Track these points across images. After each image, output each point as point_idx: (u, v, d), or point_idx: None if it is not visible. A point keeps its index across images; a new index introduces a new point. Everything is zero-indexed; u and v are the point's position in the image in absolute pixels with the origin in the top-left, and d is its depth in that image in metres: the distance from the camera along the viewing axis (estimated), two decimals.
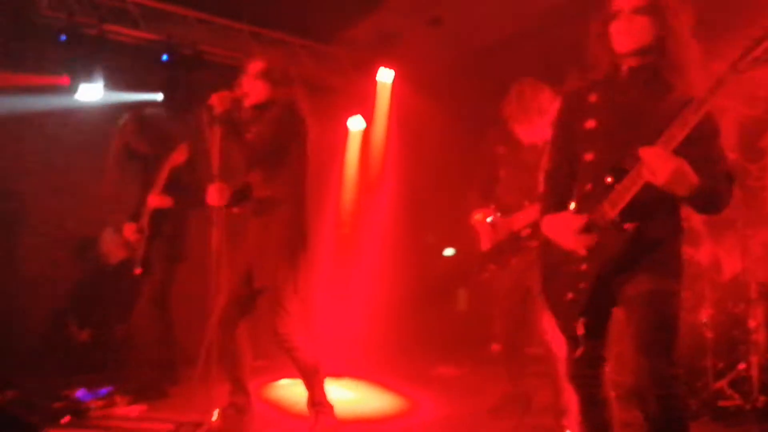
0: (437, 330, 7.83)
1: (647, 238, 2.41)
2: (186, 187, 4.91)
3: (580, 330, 2.54)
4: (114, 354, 5.98)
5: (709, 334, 4.67)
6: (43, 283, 6.36)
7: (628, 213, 2.38)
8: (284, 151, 3.98)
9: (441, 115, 7.61)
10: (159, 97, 6.76)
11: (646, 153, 2.24)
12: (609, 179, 2.42)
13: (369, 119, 8.17)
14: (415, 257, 8.18)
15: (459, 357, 6.98)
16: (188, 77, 6.64)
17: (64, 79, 6.25)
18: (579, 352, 2.57)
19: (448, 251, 8.60)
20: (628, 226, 2.38)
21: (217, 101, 3.84)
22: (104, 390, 4.69)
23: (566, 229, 2.53)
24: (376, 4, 6.95)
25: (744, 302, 4.68)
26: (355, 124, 8.27)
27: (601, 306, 2.53)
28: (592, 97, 2.61)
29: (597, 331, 2.57)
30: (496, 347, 6.66)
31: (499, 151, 4.52)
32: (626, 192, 2.36)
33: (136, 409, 4.66)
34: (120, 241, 6.23)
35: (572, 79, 2.74)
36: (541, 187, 2.99)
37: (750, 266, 4.69)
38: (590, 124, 2.59)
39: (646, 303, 2.41)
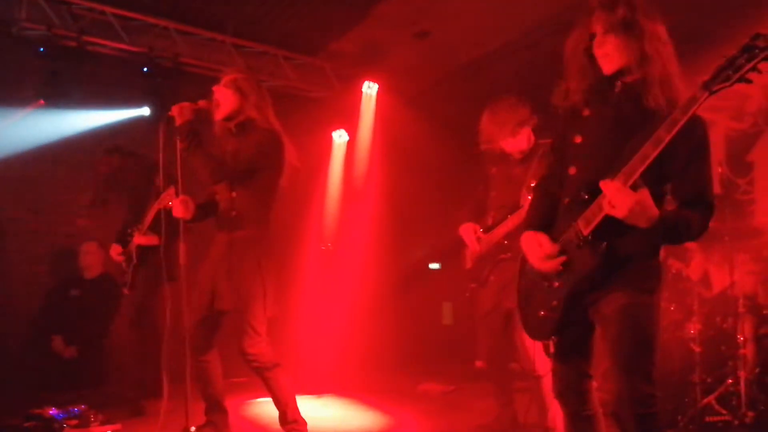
0: (422, 345, 7.75)
1: (621, 254, 2.39)
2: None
3: (551, 348, 2.54)
4: (92, 371, 5.86)
5: (698, 349, 4.64)
6: (16, 299, 6.23)
7: (601, 230, 2.36)
8: (258, 173, 3.93)
9: (426, 128, 7.57)
10: (146, 111, 6.68)
11: (607, 187, 2.25)
12: (585, 195, 2.41)
13: (353, 132, 8.12)
14: (399, 271, 8.11)
15: (444, 373, 6.90)
16: (170, 90, 6.55)
17: (39, 103, 6.16)
18: (550, 369, 2.60)
19: (434, 265, 8.54)
20: (600, 243, 2.38)
21: (178, 112, 3.79)
22: (77, 408, 4.55)
23: (538, 251, 2.54)
24: (362, 16, 6.90)
25: (732, 317, 4.64)
26: (340, 136, 8.22)
27: (576, 323, 2.50)
28: (586, 111, 2.59)
29: (577, 348, 2.55)
30: (480, 364, 6.59)
31: (491, 172, 4.52)
32: (598, 211, 2.35)
33: (111, 428, 4.56)
34: (100, 256, 6.16)
35: (559, 91, 2.70)
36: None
37: (738, 280, 4.64)
38: (578, 138, 2.58)
39: (620, 320, 2.37)
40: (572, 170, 2.58)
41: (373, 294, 7.55)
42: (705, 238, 5.17)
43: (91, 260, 6.30)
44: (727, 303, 4.75)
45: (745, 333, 4.53)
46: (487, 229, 4.41)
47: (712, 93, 2.15)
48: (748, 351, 4.57)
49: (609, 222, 2.31)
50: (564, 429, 2.72)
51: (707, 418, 4.42)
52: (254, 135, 3.93)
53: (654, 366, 2.35)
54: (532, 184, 4.09)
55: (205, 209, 4.09)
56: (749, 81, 2.12)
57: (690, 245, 5.96)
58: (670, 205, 2.46)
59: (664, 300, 5.21)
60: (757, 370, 4.59)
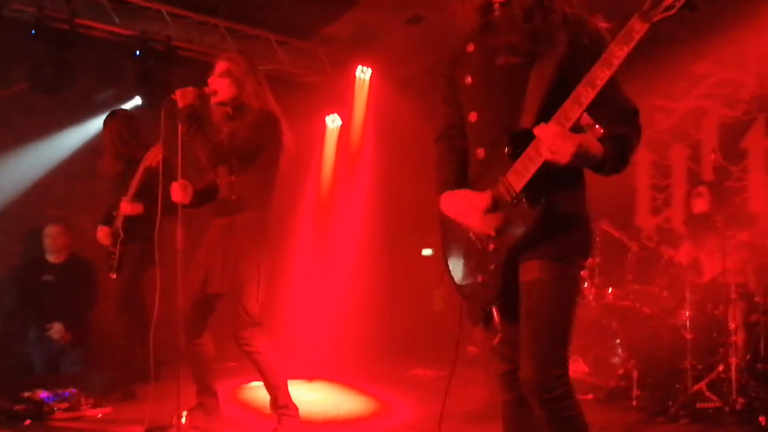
0: (413, 331, 7.74)
1: (559, 212, 2.16)
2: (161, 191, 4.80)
3: (497, 316, 2.25)
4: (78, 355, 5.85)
5: (689, 336, 4.65)
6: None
7: (535, 185, 2.12)
8: (256, 156, 3.90)
9: (419, 113, 7.52)
10: (137, 101, 6.65)
11: (544, 133, 2.03)
12: (506, 149, 2.15)
13: (347, 116, 8.08)
14: (391, 257, 8.09)
15: (435, 359, 6.87)
16: (162, 73, 6.51)
17: (21, 87, 6.11)
18: (497, 339, 2.27)
19: (426, 251, 8.52)
20: (538, 199, 2.12)
21: (180, 96, 3.79)
22: (68, 392, 4.53)
23: (471, 209, 2.24)
24: (356, 1, 6.86)
25: (724, 304, 4.64)
26: (333, 121, 8.19)
27: (515, 288, 2.23)
28: (470, 47, 2.34)
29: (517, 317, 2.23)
30: (472, 349, 6.57)
31: None
32: (530, 163, 2.10)
33: (102, 412, 4.54)
34: (67, 239, 6.10)
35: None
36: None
37: (730, 268, 4.64)
38: (468, 79, 2.34)
39: (528, 297, 2.18)
40: (473, 116, 2.33)
41: (365, 279, 7.54)
42: (697, 225, 5.23)
43: (59, 243, 6.21)
44: (719, 290, 4.75)
45: (736, 320, 4.55)
46: None
47: (653, 23, 1.91)
48: (739, 338, 4.59)
49: (542, 175, 2.10)
50: (502, 415, 2.44)
51: (698, 405, 4.44)
52: (249, 116, 3.91)
53: (566, 346, 2.17)
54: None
55: (205, 195, 4.07)
56: (695, 7, 1.87)
57: (680, 231, 5.98)
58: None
59: (656, 286, 5.25)
60: (747, 357, 4.61)
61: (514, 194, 2.15)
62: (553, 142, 2.00)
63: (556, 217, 2.15)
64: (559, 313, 2.17)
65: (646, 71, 6.00)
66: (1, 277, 6.31)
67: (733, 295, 4.57)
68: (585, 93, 2.00)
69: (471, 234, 2.28)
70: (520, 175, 2.13)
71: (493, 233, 2.20)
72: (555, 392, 2.13)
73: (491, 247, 2.22)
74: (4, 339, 6.03)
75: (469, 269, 2.31)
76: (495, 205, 2.19)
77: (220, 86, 3.92)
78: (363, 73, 7.86)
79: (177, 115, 3.81)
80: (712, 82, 6.63)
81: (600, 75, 1.97)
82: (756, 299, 4.75)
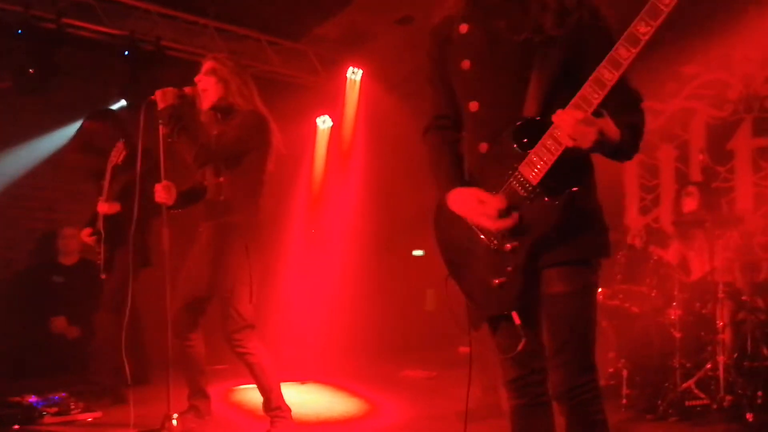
0: (405, 332, 7.76)
1: (578, 205, 2.04)
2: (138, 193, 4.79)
3: (518, 320, 2.12)
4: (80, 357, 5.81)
5: (678, 334, 4.68)
6: None
7: (553, 178, 1.98)
8: (243, 157, 3.90)
9: (410, 114, 7.54)
10: (122, 103, 6.63)
11: (564, 119, 1.89)
12: (515, 140, 2.02)
13: (338, 117, 8.09)
14: (383, 258, 8.10)
15: (427, 359, 6.91)
16: (151, 74, 6.47)
17: (4, 84, 6.07)
18: (521, 345, 2.13)
19: (417, 252, 8.54)
20: (560, 192, 2.00)
21: (161, 97, 3.77)
22: (57, 396, 4.50)
23: (484, 210, 2.05)
24: (346, 1, 6.86)
25: (711, 302, 4.69)
26: (324, 122, 8.19)
27: (532, 291, 2.11)
28: (463, 28, 2.16)
29: (532, 320, 2.16)
30: (463, 350, 6.60)
31: None
32: (547, 153, 1.96)
33: (92, 416, 4.52)
34: (78, 242, 6.09)
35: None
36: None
37: (717, 267, 4.68)
38: (465, 63, 2.16)
39: (553, 308, 2.10)
40: (473, 106, 2.16)
41: (357, 280, 7.54)
42: (685, 224, 5.28)
43: (72, 245, 6.22)
44: (707, 289, 4.81)
45: (723, 318, 4.59)
46: None
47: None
48: (727, 336, 4.62)
49: (559, 167, 1.96)
50: (511, 421, 2.35)
51: (687, 403, 4.49)
52: (237, 118, 3.91)
53: (593, 351, 2.12)
54: None
55: (188, 196, 4.06)
56: None
57: (668, 230, 6.02)
58: None
59: (645, 286, 5.28)
60: (735, 355, 4.65)
61: (530, 188, 2.00)
62: (574, 128, 1.88)
63: (576, 212, 2.04)
64: (585, 321, 2.12)
65: (635, 73, 6.04)
66: None
67: (721, 294, 4.61)
68: (608, 74, 1.86)
69: (481, 234, 2.11)
70: (535, 167, 1.98)
71: (508, 233, 2.06)
72: (584, 397, 2.09)
73: (508, 247, 2.06)
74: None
75: (481, 272, 2.13)
76: (509, 203, 2.05)
77: (206, 84, 3.92)
78: (354, 74, 7.86)
79: (158, 117, 3.80)
80: (700, 84, 6.70)
81: (624, 55, 1.84)
82: (743, 298, 4.80)
